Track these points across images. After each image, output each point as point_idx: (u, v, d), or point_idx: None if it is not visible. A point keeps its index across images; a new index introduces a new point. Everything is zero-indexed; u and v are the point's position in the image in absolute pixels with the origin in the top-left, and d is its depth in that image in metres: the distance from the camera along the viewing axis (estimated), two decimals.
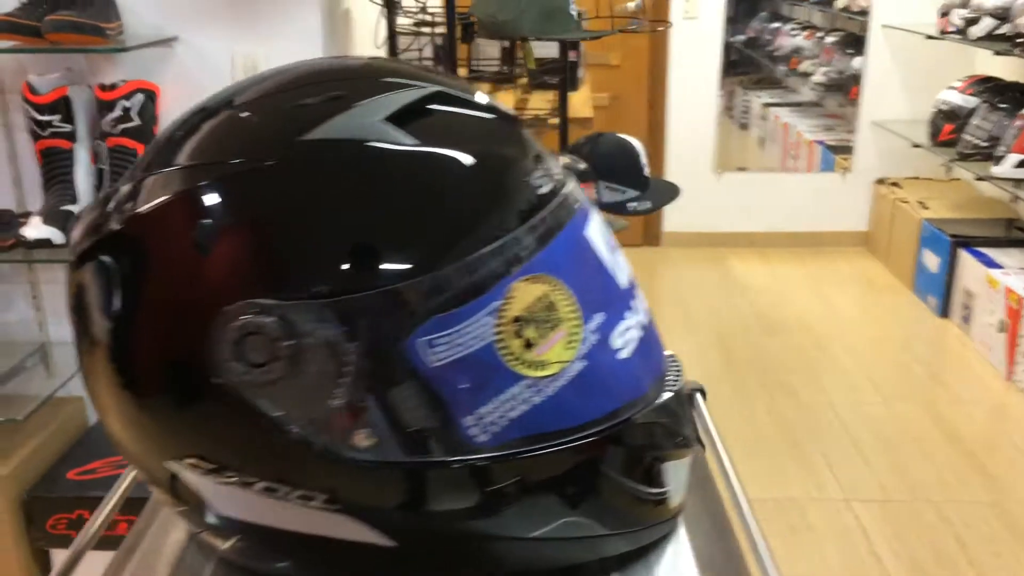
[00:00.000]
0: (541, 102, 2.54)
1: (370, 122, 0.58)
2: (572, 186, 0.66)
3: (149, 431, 0.60)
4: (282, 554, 0.63)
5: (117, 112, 1.94)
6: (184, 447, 0.59)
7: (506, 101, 2.38)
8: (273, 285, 0.55)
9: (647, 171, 2.14)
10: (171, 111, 2.04)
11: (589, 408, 0.61)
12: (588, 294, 0.61)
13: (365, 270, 0.55)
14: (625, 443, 0.63)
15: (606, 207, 2.09)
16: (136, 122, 1.96)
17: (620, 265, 0.66)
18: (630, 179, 2.12)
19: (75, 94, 1.97)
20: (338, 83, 0.62)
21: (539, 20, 1.78)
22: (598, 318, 0.61)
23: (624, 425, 0.62)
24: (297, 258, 0.56)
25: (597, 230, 0.65)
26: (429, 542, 0.61)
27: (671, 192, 2.17)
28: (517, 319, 0.57)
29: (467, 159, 0.60)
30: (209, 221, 0.57)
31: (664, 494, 0.67)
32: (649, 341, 0.66)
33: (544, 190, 0.62)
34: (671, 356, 0.71)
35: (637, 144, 2.15)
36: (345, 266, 0.55)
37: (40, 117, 1.95)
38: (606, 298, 0.63)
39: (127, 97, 1.95)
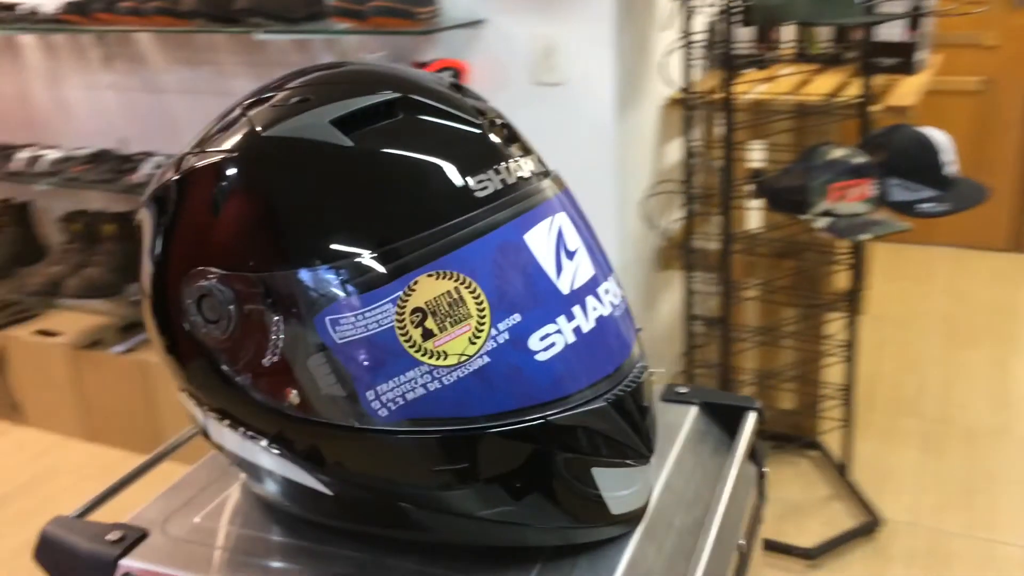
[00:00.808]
0: (861, 87, 2.38)
1: (318, 123, 0.66)
2: (534, 188, 0.69)
3: (164, 361, 0.74)
4: (261, 485, 0.75)
5: None
6: (179, 379, 0.73)
7: (826, 84, 2.27)
8: (222, 258, 0.66)
9: (950, 169, 1.94)
10: (478, 88, 2.23)
11: (491, 401, 0.65)
12: (506, 295, 0.65)
13: (284, 252, 0.65)
14: (536, 440, 0.66)
15: (892, 206, 1.94)
16: None
17: (572, 271, 0.68)
18: (926, 177, 1.94)
19: None
20: (321, 87, 0.71)
21: (814, 3, 1.69)
22: (513, 319, 0.65)
23: (536, 423, 0.65)
24: (237, 236, 0.66)
25: (546, 234, 0.68)
26: (360, 498, 0.69)
27: (977, 195, 1.95)
28: (417, 310, 0.63)
29: (393, 161, 0.66)
30: (187, 201, 0.70)
31: (598, 497, 0.69)
32: (591, 348, 0.68)
33: (484, 193, 0.66)
34: (641, 368, 0.72)
35: (941, 139, 1.95)
36: (269, 247, 0.65)
37: None
38: (531, 301, 0.66)
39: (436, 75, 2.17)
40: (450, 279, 0.64)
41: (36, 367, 2.74)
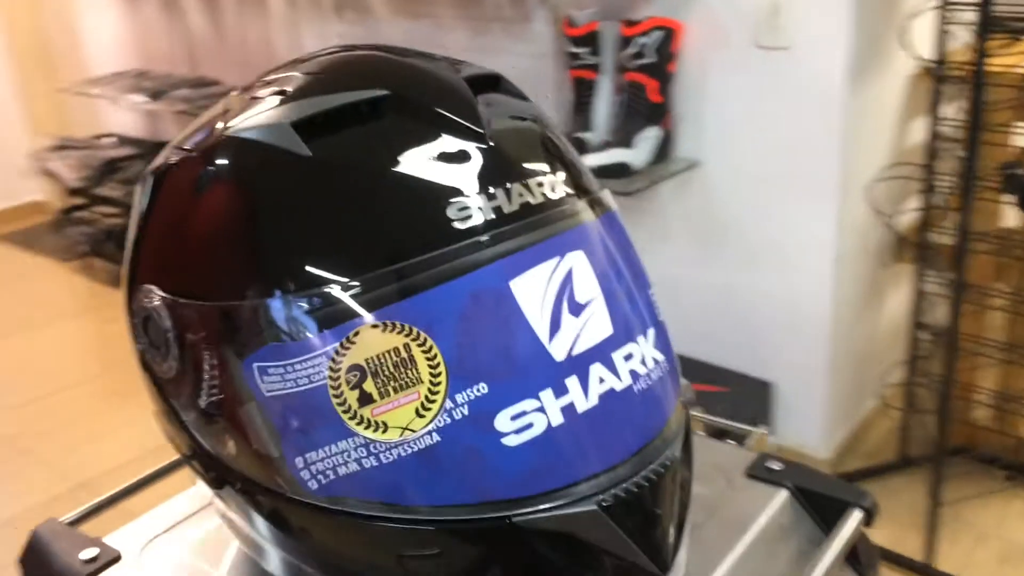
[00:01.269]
0: None
1: (277, 124, 0.55)
2: (542, 219, 0.54)
3: None
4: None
5: (634, 48, 2.00)
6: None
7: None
8: (163, 278, 0.57)
9: None
10: (691, 50, 2.03)
11: (438, 491, 0.52)
12: (472, 359, 0.51)
13: (218, 280, 0.54)
14: (497, 544, 0.52)
15: None
16: (651, 59, 2.00)
17: (575, 331, 0.53)
18: None
19: (604, 28, 2.07)
20: (307, 77, 0.59)
21: None
22: (478, 390, 0.51)
23: (494, 523, 0.51)
24: (176, 255, 0.57)
25: (545, 280, 0.53)
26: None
27: None
28: (355, 367, 0.51)
29: (353, 178, 0.54)
30: (146, 202, 0.60)
31: None
32: (587, 433, 0.53)
33: (466, 224, 0.52)
34: (654, 469, 0.55)
35: None
36: (203, 271, 0.55)
37: (573, 49, 2.10)
38: (506, 369, 0.52)
39: (646, 34, 1.99)
40: (399, 332, 0.51)
41: None
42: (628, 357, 0.56)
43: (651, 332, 0.58)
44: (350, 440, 0.51)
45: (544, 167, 0.57)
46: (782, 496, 0.71)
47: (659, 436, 0.56)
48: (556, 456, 0.52)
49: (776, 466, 0.74)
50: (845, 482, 0.72)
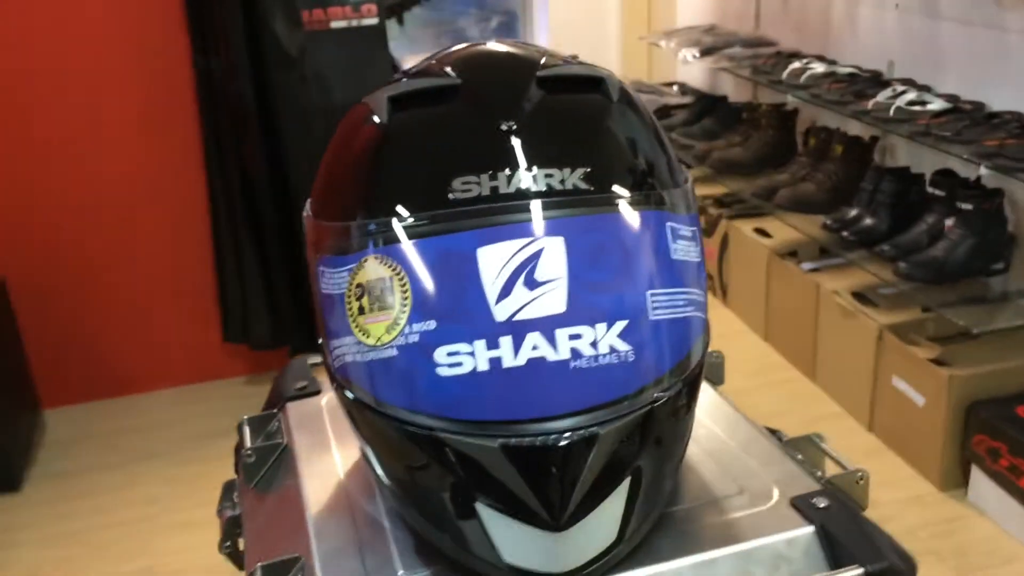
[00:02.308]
0: None
1: (381, 96, 0.72)
2: (528, 204, 0.64)
3: None
4: None
5: None
6: None
7: None
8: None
9: None
10: None
11: (391, 392, 0.67)
12: (430, 300, 0.65)
13: (313, 199, 0.75)
14: (426, 450, 0.65)
15: None
16: None
17: (522, 301, 0.63)
18: None
19: None
20: (432, 62, 0.75)
21: None
22: (428, 324, 0.64)
23: (421, 430, 0.65)
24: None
25: (507, 254, 0.64)
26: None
27: None
28: (359, 285, 0.68)
29: (399, 147, 0.70)
30: None
31: (483, 531, 0.65)
32: (507, 385, 0.63)
33: (465, 195, 0.65)
34: (586, 433, 0.63)
35: None
36: (313, 192, 0.75)
37: None
38: (453, 314, 0.64)
39: None
40: (388, 267, 0.66)
41: (745, 260, 2.99)
42: (575, 336, 0.63)
43: (621, 324, 0.64)
44: (349, 337, 0.68)
45: (563, 161, 0.66)
46: (805, 532, 0.70)
47: (588, 410, 0.63)
48: (475, 393, 0.63)
49: (822, 503, 0.72)
50: (877, 542, 0.68)
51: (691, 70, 3.85)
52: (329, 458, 0.85)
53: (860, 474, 0.77)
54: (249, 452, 0.87)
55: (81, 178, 2.64)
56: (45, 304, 2.74)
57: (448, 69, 0.72)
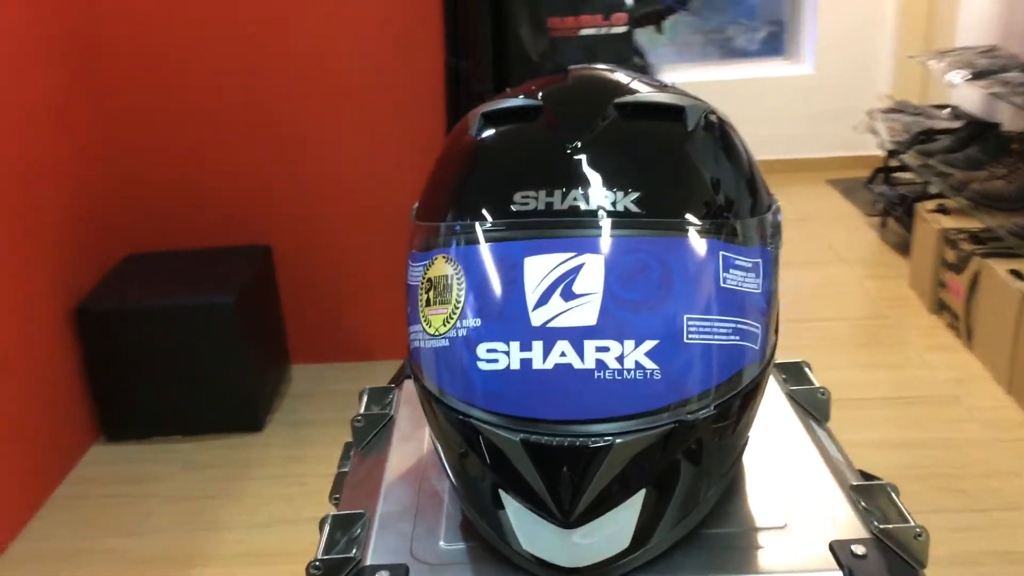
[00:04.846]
0: None
1: (477, 111, 0.79)
2: (578, 222, 0.69)
3: None
4: None
5: None
6: None
7: None
8: None
9: None
10: None
11: (441, 378, 0.74)
12: (481, 299, 0.72)
13: (419, 200, 0.82)
14: (462, 433, 0.72)
15: None
16: None
17: (558, 310, 0.68)
18: None
19: None
20: (529, 83, 0.80)
21: None
22: (474, 321, 0.71)
23: (460, 415, 0.71)
24: None
25: (551, 265, 0.69)
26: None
27: None
28: (428, 280, 0.75)
29: (481, 159, 0.77)
30: None
31: (502, 515, 0.71)
32: (534, 386, 0.68)
33: (524, 207, 0.71)
34: (608, 442, 0.67)
35: None
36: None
37: None
38: (495, 315, 0.70)
39: None
40: (451, 266, 0.73)
41: (995, 303, 2.76)
42: (603, 349, 0.67)
43: (651, 343, 0.67)
44: (418, 325, 0.76)
45: (617, 183, 0.69)
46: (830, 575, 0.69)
47: (608, 419, 0.67)
48: (505, 389, 0.69)
49: (859, 551, 0.70)
50: None
51: (968, 94, 3.58)
52: (421, 433, 0.93)
53: (919, 530, 0.74)
54: (359, 418, 0.98)
55: (337, 160, 2.93)
56: (303, 272, 3.06)
57: (540, 91, 0.78)
